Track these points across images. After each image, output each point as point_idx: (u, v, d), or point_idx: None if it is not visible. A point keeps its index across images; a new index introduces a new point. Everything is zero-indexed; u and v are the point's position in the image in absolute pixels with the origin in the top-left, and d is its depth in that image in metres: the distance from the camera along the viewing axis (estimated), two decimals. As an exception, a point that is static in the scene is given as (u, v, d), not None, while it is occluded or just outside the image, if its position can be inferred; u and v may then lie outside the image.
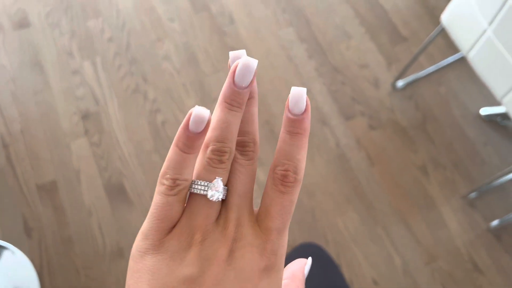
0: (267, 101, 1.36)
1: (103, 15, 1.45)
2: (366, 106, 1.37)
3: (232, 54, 0.27)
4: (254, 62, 0.26)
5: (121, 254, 1.16)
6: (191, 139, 0.26)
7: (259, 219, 0.26)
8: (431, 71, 1.42)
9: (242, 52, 0.27)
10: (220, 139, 0.26)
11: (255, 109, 0.28)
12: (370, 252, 1.20)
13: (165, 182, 0.25)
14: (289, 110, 0.26)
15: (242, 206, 0.26)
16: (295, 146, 0.26)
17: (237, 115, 0.27)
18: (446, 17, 1.05)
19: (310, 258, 0.30)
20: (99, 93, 1.33)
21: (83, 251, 1.16)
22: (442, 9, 1.51)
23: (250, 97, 0.27)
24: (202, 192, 0.26)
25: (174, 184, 0.25)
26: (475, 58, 0.99)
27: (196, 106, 0.26)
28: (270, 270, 0.25)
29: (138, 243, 0.25)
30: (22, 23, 1.41)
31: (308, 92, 1.37)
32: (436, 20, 1.50)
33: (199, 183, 0.26)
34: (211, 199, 0.25)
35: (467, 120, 1.37)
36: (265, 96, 1.36)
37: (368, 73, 1.42)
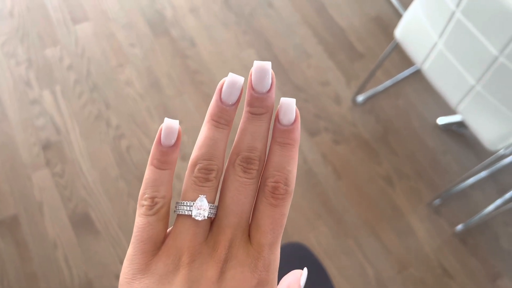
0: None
1: (61, 43, 1.43)
2: (329, 122, 1.40)
3: (257, 64, 0.26)
4: (240, 79, 0.26)
5: (90, 286, 1.12)
6: (165, 154, 0.25)
7: (250, 235, 0.26)
8: (388, 85, 1.48)
9: (268, 63, 0.25)
10: (207, 157, 0.26)
11: (266, 125, 0.27)
12: (343, 265, 1.21)
13: (144, 202, 0.25)
14: (278, 121, 0.26)
15: (235, 227, 0.26)
16: (285, 157, 0.26)
17: (224, 132, 0.26)
18: (399, 33, 1.11)
19: (305, 269, 0.29)
20: (60, 122, 1.30)
21: (49, 287, 1.11)
22: (394, 26, 1.58)
23: (264, 112, 0.26)
24: (187, 212, 0.25)
25: (152, 203, 0.25)
26: (429, 70, 1.04)
27: (166, 119, 0.25)
28: (262, 286, 0.25)
29: (124, 269, 0.25)
30: (-24, 54, 1.37)
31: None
32: (390, 36, 1.57)
33: (184, 204, 0.25)
34: (196, 218, 0.25)
35: (426, 130, 1.42)
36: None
37: (329, 90, 1.46)
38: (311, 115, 1.41)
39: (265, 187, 0.26)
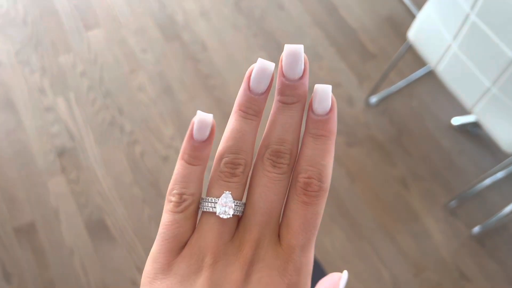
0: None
1: (74, 50, 1.44)
2: (342, 124, 1.39)
3: (288, 48, 0.23)
4: (271, 66, 0.23)
5: (107, 293, 1.13)
6: (197, 149, 0.24)
7: (280, 235, 0.24)
8: (402, 85, 1.46)
9: (300, 47, 0.23)
10: (234, 150, 0.24)
11: (298, 115, 0.24)
12: (358, 269, 1.20)
13: (172, 198, 0.24)
14: (312, 110, 0.24)
15: (263, 226, 0.24)
16: (319, 150, 0.23)
17: (253, 123, 0.24)
18: (413, 34, 1.09)
19: (345, 272, 0.26)
20: (75, 129, 1.31)
21: (66, 293, 1.12)
22: (407, 25, 1.56)
23: (296, 101, 0.24)
24: (211, 209, 0.23)
25: (180, 199, 0.24)
26: (443, 71, 1.03)
27: (198, 111, 0.24)
28: None
29: (147, 268, 0.23)
30: (-9, 63, 1.39)
31: (285, 114, 1.39)
32: (402, 36, 1.55)
33: (209, 200, 0.24)
34: (221, 216, 0.23)
35: (440, 131, 1.41)
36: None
37: (342, 92, 1.45)
38: (323, 118, 1.40)
39: (296, 183, 0.24)
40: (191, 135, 0.24)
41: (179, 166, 0.24)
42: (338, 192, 1.29)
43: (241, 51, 1.49)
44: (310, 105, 0.24)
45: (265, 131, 0.25)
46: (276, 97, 0.24)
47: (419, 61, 1.49)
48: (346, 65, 1.50)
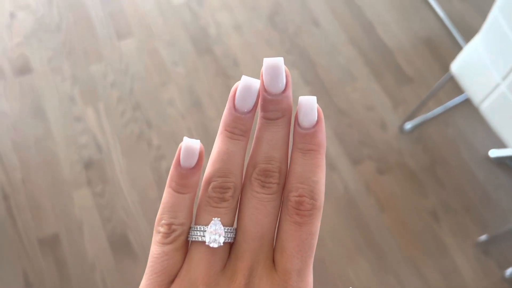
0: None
1: (106, 59, 1.43)
2: (374, 150, 1.35)
3: (267, 61, 0.22)
4: (256, 83, 0.23)
5: (126, 312, 1.12)
6: (184, 177, 0.23)
7: (275, 260, 0.22)
8: (438, 112, 1.41)
9: (280, 59, 0.22)
10: (222, 174, 0.23)
11: (284, 130, 0.23)
12: (383, 304, 1.16)
13: (160, 229, 0.23)
14: (298, 124, 0.23)
15: (256, 252, 0.22)
16: (309, 166, 0.22)
17: (240, 144, 0.23)
18: (457, 67, 1.04)
19: None
20: (102, 141, 1.31)
21: (86, 309, 1.12)
22: (446, 48, 1.51)
23: (281, 116, 0.23)
24: (200, 238, 0.22)
25: (169, 230, 0.22)
26: (487, 110, 0.98)
27: (185, 138, 0.23)
28: None
29: None
30: (24, 69, 1.39)
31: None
32: (440, 59, 1.50)
33: (197, 229, 0.22)
34: (211, 245, 0.22)
35: (476, 162, 1.35)
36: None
37: (375, 115, 1.40)
38: (355, 142, 1.36)
39: (288, 203, 0.22)
40: (178, 162, 0.23)
41: (166, 195, 0.23)
42: (366, 222, 1.25)
43: (273, 68, 1.46)
44: (296, 119, 0.23)
45: (251, 150, 0.24)
46: (260, 113, 0.23)
47: (458, 88, 1.43)
48: (380, 87, 1.45)
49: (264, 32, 1.52)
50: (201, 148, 0.23)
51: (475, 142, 1.38)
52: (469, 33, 1.55)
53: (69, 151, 1.29)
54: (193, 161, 0.23)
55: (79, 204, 1.23)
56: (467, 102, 1.42)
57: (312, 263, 0.22)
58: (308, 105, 0.23)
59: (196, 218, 0.23)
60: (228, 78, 1.43)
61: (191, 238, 0.23)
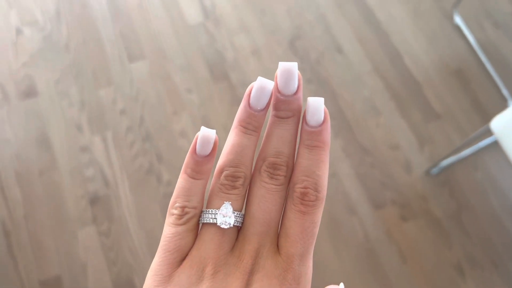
0: (290, 185, 1.25)
1: (116, 83, 1.35)
2: (397, 193, 1.27)
3: (282, 65, 0.24)
4: (270, 84, 0.24)
5: None
6: (199, 164, 0.25)
7: (279, 245, 0.24)
8: (466, 154, 1.32)
9: (294, 64, 0.24)
10: (234, 164, 0.25)
11: (294, 129, 0.25)
12: None
13: (174, 211, 0.24)
14: (306, 122, 0.25)
15: (262, 236, 0.24)
16: (314, 161, 0.24)
17: (252, 139, 0.25)
18: (498, 126, 0.95)
19: (342, 284, 0.26)
20: (110, 174, 1.23)
21: None
22: (476, 81, 1.41)
23: (291, 115, 0.25)
24: (212, 220, 0.24)
25: (182, 212, 0.24)
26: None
27: (202, 127, 0.25)
28: None
29: (147, 281, 0.23)
30: (29, 92, 1.31)
31: (335, 175, 1.27)
32: (470, 93, 1.40)
33: (209, 212, 0.24)
34: (221, 226, 0.24)
35: (506, 210, 1.26)
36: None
37: (399, 155, 1.32)
38: (377, 184, 1.28)
39: (293, 194, 0.24)
40: (194, 150, 0.25)
41: (181, 180, 0.25)
42: (385, 273, 1.18)
43: (293, 98, 1.37)
44: (304, 118, 0.25)
45: (262, 145, 0.26)
46: (272, 112, 0.25)
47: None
48: (406, 124, 1.36)
49: (284, 58, 1.42)
50: (216, 138, 0.25)
51: (506, 188, 1.29)
52: (502, 64, 1.45)
53: (74, 184, 1.22)
54: (208, 149, 0.25)
55: (84, 244, 1.16)
56: (499, 144, 1.32)
57: (313, 250, 0.24)
58: (316, 105, 0.24)
59: (208, 203, 0.25)
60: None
61: (202, 221, 0.24)
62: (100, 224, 1.18)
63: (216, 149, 0.25)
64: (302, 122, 0.25)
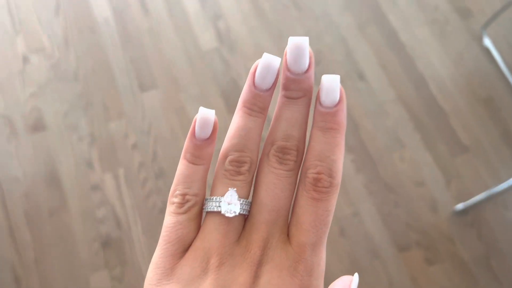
0: (310, 225, 1.20)
1: (127, 116, 1.29)
2: (422, 235, 1.20)
3: (292, 40, 0.22)
4: (276, 61, 0.23)
5: None
6: (199, 148, 0.23)
7: (290, 234, 0.23)
8: (496, 191, 1.24)
9: (305, 39, 0.22)
10: (239, 148, 0.23)
11: (304, 110, 0.24)
12: None
13: (174, 199, 0.23)
14: (320, 103, 0.23)
15: (271, 224, 0.22)
16: (328, 145, 0.23)
17: (258, 120, 0.24)
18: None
19: (356, 274, 0.23)
20: (122, 215, 1.19)
21: None
22: (507, 109, 1.33)
23: (302, 95, 0.23)
24: (216, 209, 0.22)
25: (183, 200, 0.23)
26: None
27: (201, 108, 0.23)
28: None
29: (149, 275, 0.22)
30: (37, 125, 1.26)
31: (356, 215, 1.21)
32: (500, 123, 1.32)
33: (213, 200, 0.23)
34: (226, 215, 0.22)
35: (538, 253, 1.20)
36: (308, 218, 1.20)
37: (425, 192, 1.25)
38: (401, 224, 1.21)
39: (305, 179, 0.23)
40: (193, 133, 0.23)
41: (181, 166, 0.24)
42: (410, 322, 1.13)
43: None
44: (318, 98, 0.23)
45: (270, 127, 0.24)
46: (281, 92, 0.24)
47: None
48: (432, 158, 1.29)
49: (303, 85, 1.35)
50: (215, 119, 0.23)
51: (538, 229, 1.22)
52: (534, 91, 1.36)
53: (85, 226, 1.17)
54: (208, 132, 0.23)
55: (96, 290, 1.12)
56: (531, 180, 1.25)
57: (326, 239, 0.22)
58: (331, 84, 0.22)
59: (211, 190, 0.23)
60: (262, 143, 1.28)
61: (206, 209, 0.23)
62: (113, 269, 1.14)
63: (216, 131, 0.24)
64: (316, 103, 0.23)
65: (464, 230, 1.21)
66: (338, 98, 0.23)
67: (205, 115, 0.23)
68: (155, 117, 1.30)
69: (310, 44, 1.38)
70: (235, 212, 0.22)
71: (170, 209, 0.23)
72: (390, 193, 1.24)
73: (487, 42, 1.41)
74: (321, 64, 1.37)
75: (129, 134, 1.27)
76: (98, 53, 1.35)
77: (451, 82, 1.38)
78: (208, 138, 0.23)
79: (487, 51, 1.42)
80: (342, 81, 1.33)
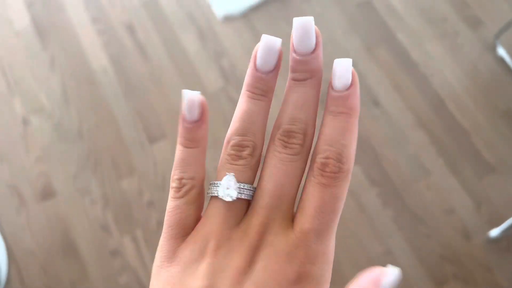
0: (340, 268, 1.15)
1: (139, 171, 1.24)
2: (458, 266, 1.16)
3: (297, 21, 0.22)
4: (277, 41, 0.22)
5: None
6: (191, 131, 0.23)
7: (294, 220, 0.22)
8: (529, 211, 1.20)
9: (310, 18, 0.22)
10: (241, 132, 0.23)
11: (312, 92, 0.23)
12: None
13: (173, 184, 0.23)
14: (332, 87, 0.22)
15: (273, 209, 0.22)
16: (339, 129, 0.22)
17: (260, 104, 0.23)
18: None
19: (394, 269, 0.20)
20: (145, 278, 1.14)
21: None
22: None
23: (309, 76, 0.23)
24: (216, 193, 0.22)
25: (180, 184, 0.23)
26: None
27: (184, 91, 0.23)
28: (304, 281, 0.20)
29: (155, 258, 0.23)
30: (47, 193, 1.21)
31: (389, 253, 1.17)
32: (526, 139, 1.27)
33: (214, 184, 0.23)
34: (224, 199, 0.22)
35: None
36: (338, 261, 1.15)
37: (455, 220, 1.20)
38: (436, 257, 1.17)
39: (314, 165, 0.22)
40: (183, 117, 0.23)
41: (177, 152, 0.23)
42: None
43: (331, 165, 1.25)
44: (330, 82, 0.23)
45: (279, 112, 0.24)
46: (289, 75, 0.23)
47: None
48: (458, 182, 1.24)
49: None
50: (202, 99, 0.23)
51: None
52: (555, 98, 1.31)
53: (109, 296, 1.13)
54: (196, 113, 0.23)
55: None
56: None
57: (335, 229, 0.22)
58: (343, 67, 0.22)
59: (217, 175, 0.23)
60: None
61: (209, 193, 0.23)
62: (143, 338, 1.09)
63: (206, 112, 0.23)
64: (328, 87, 0.23)
65: (501, 257, 1.17)
66: (350, 82, 0.22)
67: (191, 96, 0.22)
68: (168, 169, 1.24)
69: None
70: (231, 196, 0.22)
71: (170, 194, 0.23)
72: (420, 225, 1.20)
73: (501, 51, 1.36)
74: (333, 93, 1.31)
75: (143, 191, 1.22)
76: (100, 106, 1.29)
77: (469, 97, 1.32)
78: (198, 120, 0.23)
79: (501, 60, 1.36)
80: (357, 110, 1.28)
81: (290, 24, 1.35)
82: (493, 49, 1.38)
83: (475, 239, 1.19)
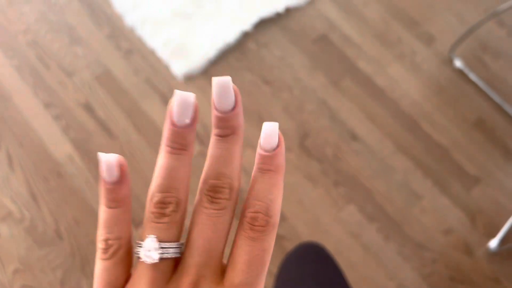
0: (360, 313, 1.13)
1: (131, 261, 1.15)
2: (469, 284, 1.18)
3: (216, 80, 0.23)
4: (190, 96, 0.23)
5: None
6: (112, 192, 0.23)
7: (225, 275, 0.22)
8: (520, 215, 1.25)
9: (228, 78, 0.23)
10: (163, 189, 0.23)
11: (235, 148, 0.24)
12: None
13: (99, 245, 0.23)
14: (260, 147, 0.24)
15: (202, 266, 0.22)
16: (266, 184, 0.23)
17: (181, 158, 0.23)
18: None
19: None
20: None
21: None
22: (499, 125, 1.33)
23: (230, 133, 0.24)
24: (138, 254, 0.22)
25: (106, 245, 0.22)
26: None
27: (100, 153, 0.22)
28: None
29: None
30: (35, 308, 1.10)
31: (401, 286, 1.16)
32: (497, 141, 1.32)
33: (139, 244, 0.22)
34: (146, 262, 0.22)
35: None
36: (355, 307, 1.13)
37: (455, 239, 1.22)
38: (446, 280, 1.18)
39: (243, 219, 0.23)
40: (103, 179, 0.23)
41: (101, 213, 0.23)
42: None
43: (326, 210, 1.23)
44: (259, 142, 0.24)
45: (204, 167, 0.24)
46: (212, 131, 0.24)
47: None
48: (449, 200, 1.26)
49: (300, 163, 1.27)
50: (120, 160, 0.22)
51: None
52: (514, 98, 1.37)
53: None
54: (114, 173, 0.22)
55: None
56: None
57: (264, 278, 0.22)
58: (270, 130, 0.23)
59: (142, 233, 0.23)
60: (281, 239, 1.20)
61: (135, 254, 0.23)
62: None
63: (125, 172, 0.23)
64: (258, 148, 0.24)
65: (505, 265, 1.20)
66: (276, 143, 0.23)
67: (108, 159, 0.22)
68: (161, 252, 1.17)
69: (295, 118, 1.31)
70: (153, 259, 0.22)
71: (97, 255, 0.23)
72: (424, 250, 1.20)
73: (458, 63, 1.40)
74: (311, 135, 1.30)
75: (140, 281, 1.14)
76: (73, 199, 1.20)
77: (439, 113, 1.35)
78: (116, 182, 0.22)
79: (460, 72, 1.41)
80: (337, 149, 1.27)
81: (252, 72, 1.33)
82: (449, 62, 1.42)
83: (477, 253, 1.21)
